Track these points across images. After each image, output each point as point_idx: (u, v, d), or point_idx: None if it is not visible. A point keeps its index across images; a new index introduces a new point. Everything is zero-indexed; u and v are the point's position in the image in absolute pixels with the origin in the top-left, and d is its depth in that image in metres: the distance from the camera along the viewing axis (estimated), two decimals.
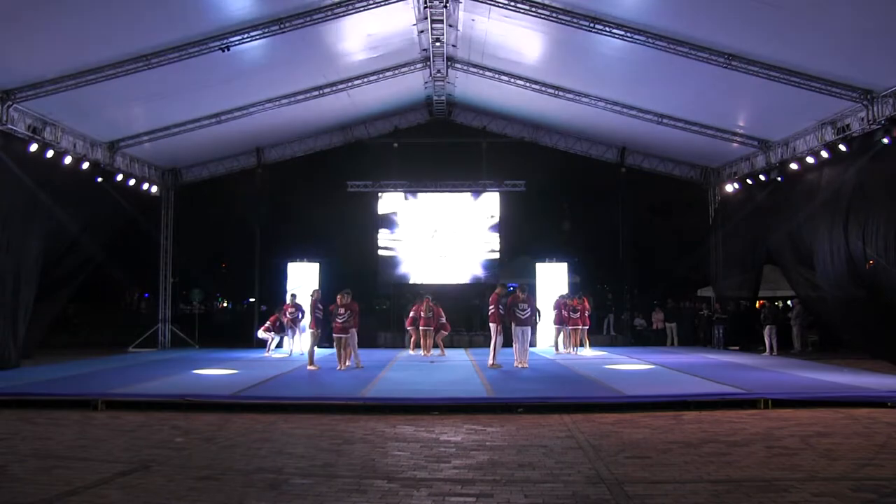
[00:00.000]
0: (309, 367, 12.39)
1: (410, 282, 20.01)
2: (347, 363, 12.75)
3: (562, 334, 16.72)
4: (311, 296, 13.42)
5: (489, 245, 19.98)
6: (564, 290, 17.90)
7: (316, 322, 12.97)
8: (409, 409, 8.58)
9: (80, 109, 13.56)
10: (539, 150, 20.08)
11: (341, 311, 12.47)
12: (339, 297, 12.71)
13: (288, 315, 15.98)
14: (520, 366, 12.62)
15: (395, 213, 20.25)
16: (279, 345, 16.18)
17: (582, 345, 16.59)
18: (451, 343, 17.64)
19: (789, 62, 11.72)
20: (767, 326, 16.53)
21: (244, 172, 20.03)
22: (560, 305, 16.60)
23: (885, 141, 11.82)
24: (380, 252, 20.16)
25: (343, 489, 5.14)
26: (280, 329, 16.05)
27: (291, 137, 19.54)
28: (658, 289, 22.64)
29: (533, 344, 16.81)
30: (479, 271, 20.03)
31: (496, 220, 19.93)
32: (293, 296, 16.38)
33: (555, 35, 13.35)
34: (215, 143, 18.00)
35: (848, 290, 13.18)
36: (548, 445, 6.58)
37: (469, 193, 20.15)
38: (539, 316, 15.49)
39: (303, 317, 15.81)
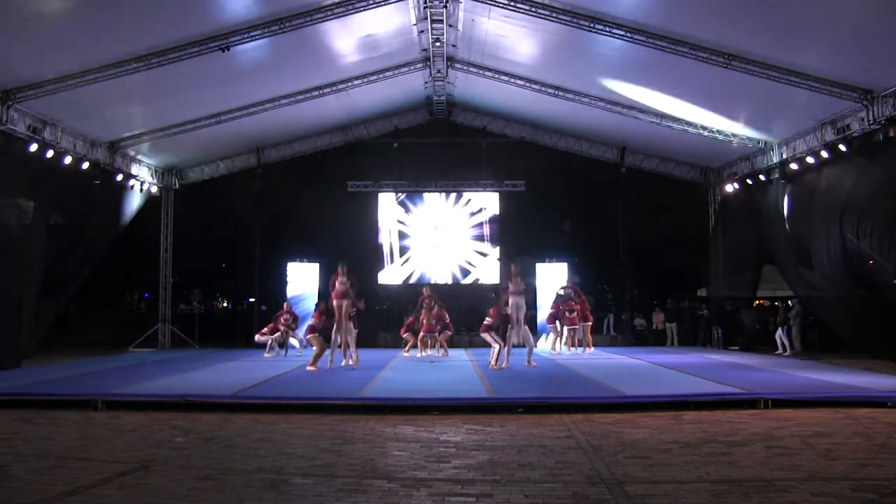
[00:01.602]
0: (309, 368, 12.37)
1: (410, 282, 20.02)
2: (345, 361, 12.70)
3: (563, 334, 16.57)
4: (317, 308, 13.38)
5: (489, 245, 20.02)
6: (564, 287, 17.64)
7: (313, 328, 12.86)
8: (409, 409, 8.57)
9: (80, 109, 13.56)
10: (539, 150, 20.09)
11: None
12: (340, 268, 13.04)
13: (283, 321, 15.93)
14: (528, 365, 12.61)
15: (394, 213, 20.29)
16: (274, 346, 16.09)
17: (580, 345, 16.55)
18: (451, 343, 17.60)
19: (789, 62, 11.71)
20: (781, 327, 16.62)
21: (244, 172, 20.03)
22: (558, 304, 16.52)
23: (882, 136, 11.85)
24: (379, 252, 20.19)
25: (343, 489, 5.14)
26: (275, 333, 15.97)
27: (291, 137, 19.54)
28: (658, 289, 22.65)
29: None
30: (478, 271, 20.07)
31: (496, 220, 19.96)
32: (290, 303, 16.47)
33: (555, 35, 13.35)
34: (215, 143, 18.01)
35: (847, 289, 13.18)
36: (548, 445, 6.58)
37: (469, 193, 20.18)
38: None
39: (296, 323, 15.96)
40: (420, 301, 16.05)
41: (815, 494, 4.90)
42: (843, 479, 5.36)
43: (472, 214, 20.24)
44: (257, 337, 16.06)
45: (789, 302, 18.74)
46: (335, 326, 12.64)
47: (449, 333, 16.16)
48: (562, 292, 16.60)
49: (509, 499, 4.88)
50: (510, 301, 12.68)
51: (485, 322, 12.93)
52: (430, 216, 20.24)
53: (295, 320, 16.06)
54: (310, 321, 13.39)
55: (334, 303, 12.74)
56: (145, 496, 4.96)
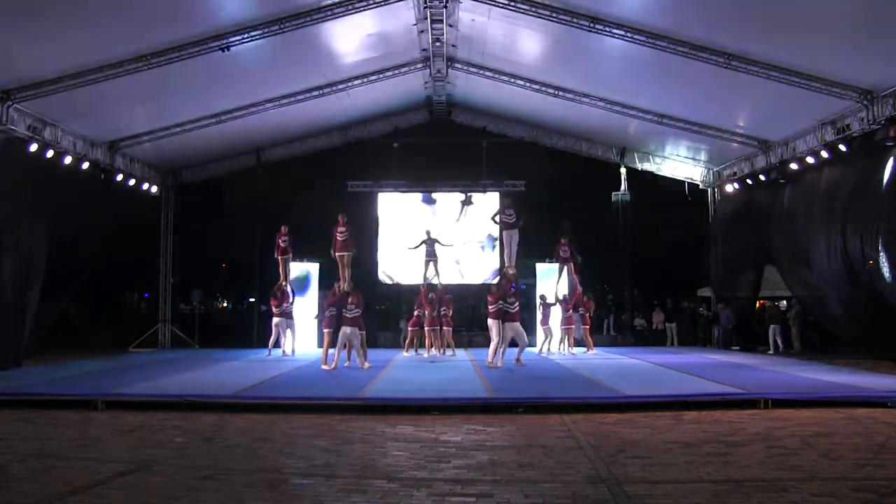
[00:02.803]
0: (323, 367, 12.34)
1: (410, 282, 19.99)
2: (348, 363, 12.68)
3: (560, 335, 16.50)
4: (325, 298, 13.43)
5: (488, 245, 20.01)
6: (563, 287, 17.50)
7: (329, 321, 12.69)
8: (409, 409, 8.57)
9: (80, 109, 13.55)
10: (539, 150, 20.09)
11: (351, 305, 12.46)
12: (340, 218, 13.91)
13: (281, 242, 15.97)
14: (518, 364, 12.64)
15: (394, 213, 20.29)
16: (277, 345, 16.00)
17: (579, 345, 16.48)
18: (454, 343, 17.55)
19: (789, 62, 11.71)
20: (772, 326, 16.63)
21: (244, 172, 20.02)
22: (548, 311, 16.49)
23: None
24: (379, 252, 20.21)
25: (343, 489, 5.14)
26: (283, 297, 15.75)
27: (291, 137, 19.53)
28: (658, 289, 22.63)
29: (531, 344, 16.77)
30: (478, 271, 20.06)
31: (496, 220, 19.93)
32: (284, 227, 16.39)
33: (555, 35, 13.35)
34: (215, 143, 17.99)
35: (846, 289, 13.17)
36: (548, 445, 6.57)
37: (469, 193, 20.18)
38: None
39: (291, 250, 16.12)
40: (424, 242, 16.64)
41: (815, 494, 4.90)
42: (843, 479, 5.36)
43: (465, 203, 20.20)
44: (275, 320, 15.69)
45: (786, 302, 18.78)
46: (336, 344, 12.56)
47: (448, 329, 15.98)
48: (552, 299, 16.55)
49: (509, 499, 4.88)
50: (502, 234, 14.18)
51: (490, 310, 12.91)
52: (430, 216, 20.20)
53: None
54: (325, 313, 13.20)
55: (336, 255, 12.94)
56: (145, 496, 4.96)
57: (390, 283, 20.45)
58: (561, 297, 16.24)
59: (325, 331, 12.75)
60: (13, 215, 12.71)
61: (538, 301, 16.78)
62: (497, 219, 15.33)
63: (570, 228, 16.62)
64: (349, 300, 12.49)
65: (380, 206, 20.35)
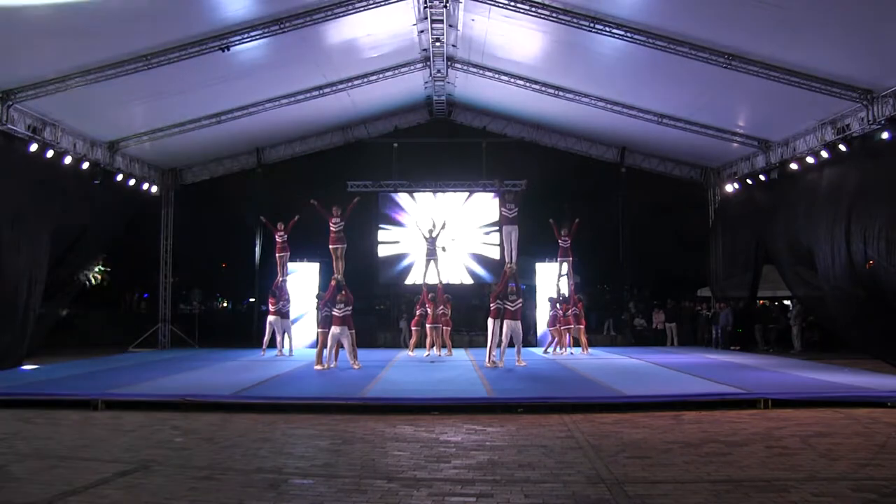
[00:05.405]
0: (316, 367, 12.34)
1: (410, 282, 20.01)
2: (334, 363, 12.60)
3: (558, 335, 16.49)
4: (319, 298, 13.41)
5: (489, 245, 20.01)
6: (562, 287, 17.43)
7: (323, 322, 12.74)
8: (409, 409, 8.58)
9: (80, 109, 13.56)
10: (539, 150, 20.10)
11: (340, 303, 12.39)
12: (334, 209, 13.87)
13: (278, 238, 16.01)
14: (519, 364, 12.63)
15: (394, 213, 20.29)
16: (272, 345, 15.91)
17: (577, 345, 16.48)
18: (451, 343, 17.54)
19: (789, 62, 11.72)
20: (756, 325, 16.77)
21: (244, 172, 20.03)
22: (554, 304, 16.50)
23: (885, 135, 11.84)
24: (380, 252, 20.20)
25: (343, 489, 5.14)
26: (280, 296, 15.68)
27: (291, 137, 19.55)
28: (658, 289, 22.64)
29: (529, 343, 16.78)
30: (479, 271, 20.06)
31: (495, 219, 19.94)
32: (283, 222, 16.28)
33: (555, 35, 13.35)
34: (215, 143, 18.00)
35: (848, 290, 13.17)
36: (548, 445, 6.58)
37: (469, 193, 20.18)
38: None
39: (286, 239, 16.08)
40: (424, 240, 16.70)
41: (815, 494, 4.90)
42: (843, 479, 5.36)
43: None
44: (270, 318, 15.60)
45: (789, 302, 18.78)
46: (328, 344, 12.54)
47: (447, 328, 15.95)
48: (555, 295, 16.55)
49: (509, 499, 4.88)
50: (502, 229, 13.93)
51: (492, 307, 12.95)
52: (430, 216, 20.18)
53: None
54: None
55: (330, 248, 13.32)
56: (145, 496, 4.97)
57: (390, 283, 20.43)
58: (559, 297, 16.25)
59: (319, 331, 12.83)
60: (14, 216, 12.71)
61: (548, 303, 16.78)
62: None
63: (569, 225, 16.55)
64: (337, 298, 12.39)
65: (380, 206, 20.33)
